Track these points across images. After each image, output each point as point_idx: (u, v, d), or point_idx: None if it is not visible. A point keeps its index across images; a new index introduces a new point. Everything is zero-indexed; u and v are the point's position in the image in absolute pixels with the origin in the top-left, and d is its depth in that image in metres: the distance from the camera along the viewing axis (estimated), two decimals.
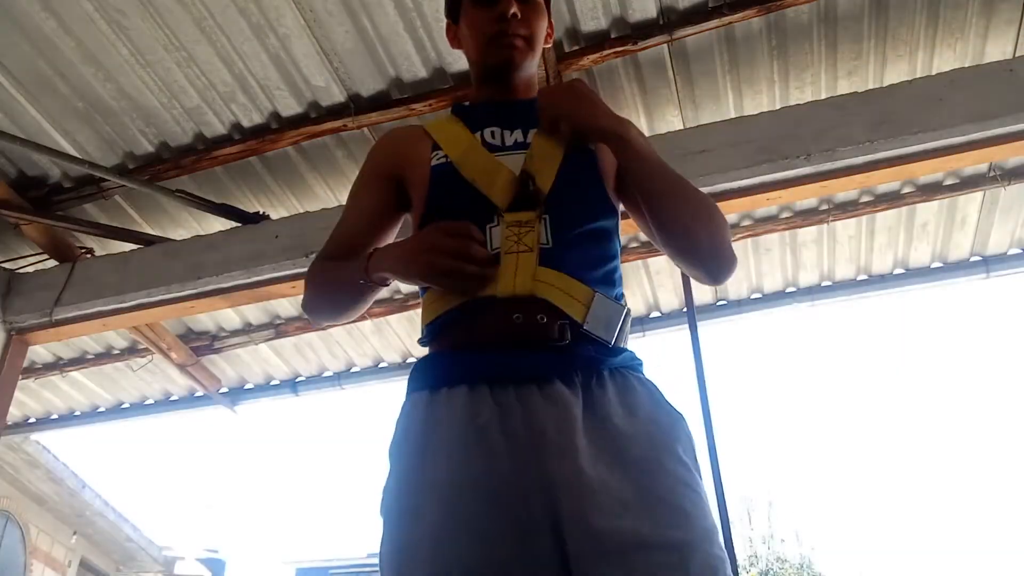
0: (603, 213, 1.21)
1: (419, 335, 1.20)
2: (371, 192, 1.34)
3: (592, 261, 1.16)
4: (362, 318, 3.62)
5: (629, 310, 1.16)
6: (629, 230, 2.67)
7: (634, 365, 1.14)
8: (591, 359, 1.08)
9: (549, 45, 1.41)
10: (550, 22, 1.38)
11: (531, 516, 0.95)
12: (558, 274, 1.11)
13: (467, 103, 1.38)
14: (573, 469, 0.97)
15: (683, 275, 2.82)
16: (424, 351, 1.18)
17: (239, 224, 3.01)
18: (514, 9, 1.27)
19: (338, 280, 1.27)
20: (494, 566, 0.93)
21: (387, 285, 1.22)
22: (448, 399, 1.06)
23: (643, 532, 0.93)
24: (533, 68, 1.35)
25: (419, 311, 1.24)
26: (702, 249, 1.15)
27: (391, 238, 1.35)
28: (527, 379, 1.05)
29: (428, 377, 1.12)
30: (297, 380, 4.11)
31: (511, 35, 1.28)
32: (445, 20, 1.43)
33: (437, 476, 1.00)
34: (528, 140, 1.24)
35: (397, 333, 3.82)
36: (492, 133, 1.26)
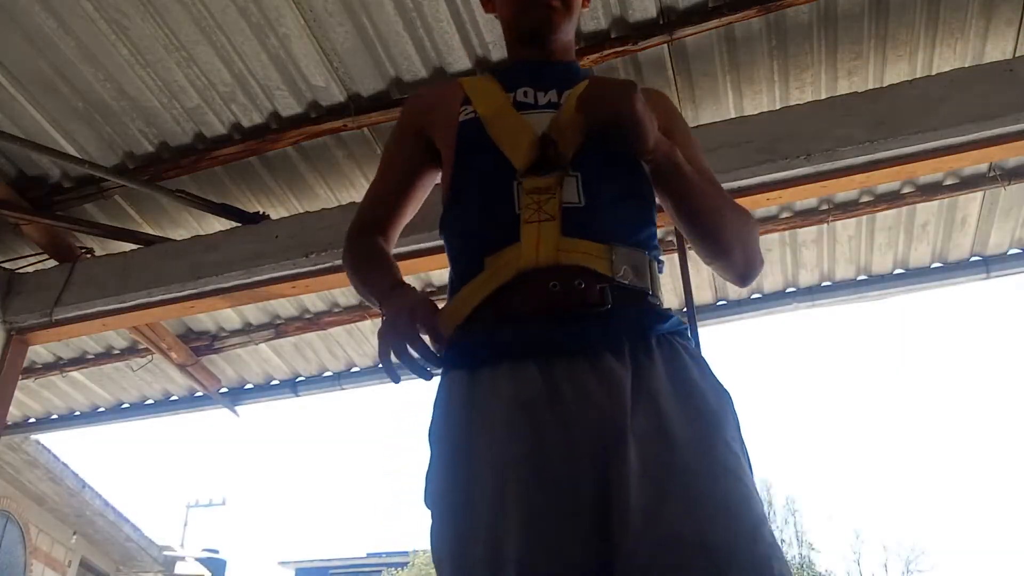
0: (639, 174, 1.17)
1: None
2: (401, 150, 1.33)
3: (629, 223, 1.12)
4: (361, 318, 3.63)
5: (655, 256, 1.12)
6: None
7: (681, 331, 1.10)
8: (637, 325, 1.04)
9: (587, 8, 1.38)
10: None
11: (580, 500, 0.91)
12: (579, 241, 1.06)
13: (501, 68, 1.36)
14: (622, 456, 0.93)
15: (683, 275, 2.81)
16: None
17: (239, 224, 3.00)
18: None
19: (365, 284, 1.27)
20: (548, 554, 0.89)
21: None
22: (492, 378, 1.02)
23: (683, 531, 0.88)
24: (571, 32, 1.32)
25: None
26: (736, 264, 1.20)
27: (425, 193, 1.35)
28: (575, 352, 1.00)
29: (467, 355, 1.07)
30: (297, 380, 4.11)
31: None
32: None
33: (486, 462, 0.96)
34: (561, 101, 1.20)
35: None
36: (525, 93, 1.23)
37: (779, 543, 0.93)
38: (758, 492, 0.97)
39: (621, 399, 0.96)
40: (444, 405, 1.07)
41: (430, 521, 1.01)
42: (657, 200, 1.23)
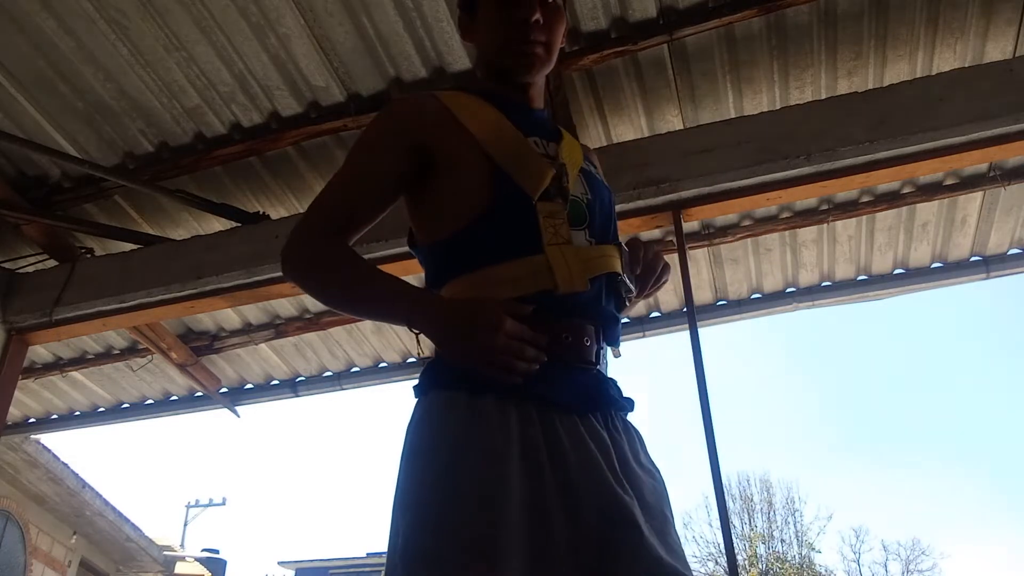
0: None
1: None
2: (392, 158, 1.21)
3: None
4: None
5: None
6: (635, 228, 2.67)
7: (631, 415, 1.20)
8: (613, 400, 1.15)
9: (563, 45, 1.37)
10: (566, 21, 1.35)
11: (581, 535, 0.98)
12: (592, 247, 1.18)
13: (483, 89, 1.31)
14: (630, 494, 1.03)
15: (683, 275, 2.81)
16: None
17: (239, 224, 3.01)
18: (538, 15, 1.23)
19: (372, 299, 1.17)
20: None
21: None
22: (499, 410, 1.04)
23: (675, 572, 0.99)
24: (543, 77, 1.32)
25: None
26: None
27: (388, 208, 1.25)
28: (569, 411, 1.08)
29: (468, 378, 1.06)
30: (297, 380, 4.11)
31: (532, 42, 1.24)
32: (459, 11, 1.36)
33: (488, 491, 0.98)
34: (560, 155, 1.22)
35: (397, 333, 3.82)
36: (535, 142, 1.22)
37: None
38: None
39: (609, 455, 1.06)
40: (440, 423, 1.05)
41: (405, 530, 1.01)
42: None
